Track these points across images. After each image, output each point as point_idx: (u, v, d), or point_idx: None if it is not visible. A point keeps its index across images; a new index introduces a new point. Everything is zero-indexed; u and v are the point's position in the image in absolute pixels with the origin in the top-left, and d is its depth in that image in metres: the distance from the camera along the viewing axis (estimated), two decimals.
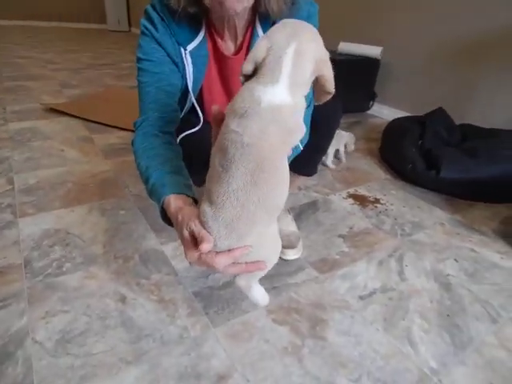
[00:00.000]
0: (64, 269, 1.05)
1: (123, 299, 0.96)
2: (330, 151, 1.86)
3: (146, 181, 0.74)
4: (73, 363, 0.78)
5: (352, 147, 1.97)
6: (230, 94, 0.98)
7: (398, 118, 2.18)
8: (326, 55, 0.55)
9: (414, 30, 2.53)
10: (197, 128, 0.94)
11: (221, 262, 0.57)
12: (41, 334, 0.84)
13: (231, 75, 0.93)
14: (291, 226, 1.25)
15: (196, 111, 0.92)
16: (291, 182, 1.22)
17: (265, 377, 0.79)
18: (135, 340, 0.85)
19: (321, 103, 0.59)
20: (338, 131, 1.96)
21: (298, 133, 0.56)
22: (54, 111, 2.38)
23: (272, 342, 0.88)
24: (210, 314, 0.94)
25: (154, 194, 0.71)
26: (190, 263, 0.61)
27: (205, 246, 0.55)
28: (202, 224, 0.58)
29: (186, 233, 0.60)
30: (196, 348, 0.84)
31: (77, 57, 4.46)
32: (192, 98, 0.90)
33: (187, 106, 0.94)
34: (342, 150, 1.92)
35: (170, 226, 0.71)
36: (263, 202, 0.54)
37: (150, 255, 1.13)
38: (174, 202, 0.65)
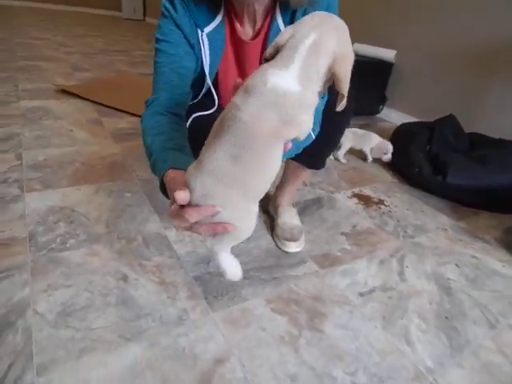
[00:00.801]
0: (68, 245, 1.05)
1: (125, 278, 0.96)
2: (344, 146, 1.89)
3: (149, 156, 0.75)
4: (73, 336, 0.79)
5: (385, 157, 1.91)
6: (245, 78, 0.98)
7: (407, 123, 2.18)
8: (348, 53, 0.53)
9: (428, 35, 2.53)
10: (211, 111, 0.94)
11: (191, 215, 0.56)
12: (42, 306, 0.85)
13: (247, 60, 0.93)
14: (295, 220, 1.25)
15: (211, 95, 0.93)
16: (298, 174, 1.22)
17: (261, 363, 0.79)
18: (135, 318, 0.85)
19: (337, 110, 0.55)
20: (368, 133, 1.96)
21: (295, 128, 0.53)
22: (66, 92, 2.39)
23: (269, 330, 0.88)
24: (209, 298, 0.94)
25: (155, 168, 0.71)
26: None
27: (178, 193, 0.55)
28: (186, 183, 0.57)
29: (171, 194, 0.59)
30: (194, 330, 0.85)
31: (90, 41, 4.47)
32: (208, 80, 0.90)
33: (204, 90, 0.95)
34: (367, 150, 1.95)
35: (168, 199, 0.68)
36: (240, 179, 0.53)
37: (153, 238, 1.13)
38: (172, 175, 0.64)
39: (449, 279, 1.15)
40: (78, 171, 1.47)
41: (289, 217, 1.24)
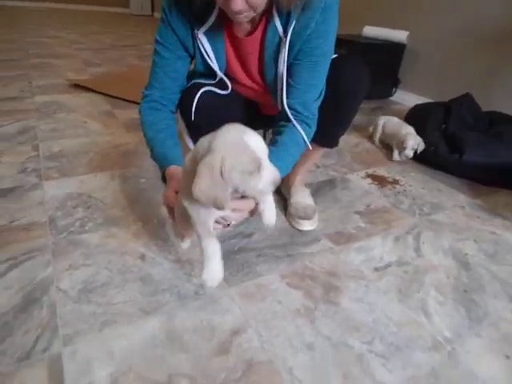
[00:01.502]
0: (86, 228, 1.08)
1: (142, 257, 0.98)
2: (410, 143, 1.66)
3: (150, 149, 0.96)
4: (95, 310, 0.81)
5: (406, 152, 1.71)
6: (248, 73, 1.03)
7: (422, 103, 2.14)
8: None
9: (441, 14, 2.46)
10: (225, 92, 1.02)
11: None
12: (65, 284, 0.88)
13: (246, 55, 0.97)
14: (308, 199, 1.25)
15: (224, 81, 1.00)
16: (311, 152, 1.21)
17: (277, 334, 0.80)
18: (153, 293, 0.87)
19: None
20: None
21: None
22: (78, 87, 2.42)
23: (285, 303, 0.89)
24: (225, 275, 0.94)
25: (157, 161, 0.94)
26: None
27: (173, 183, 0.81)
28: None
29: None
30: (211, 304, 0.86)
31: (100, 38, 4.52)
32: (219, 73, 0.97)
33: (217, 79, 1.00)
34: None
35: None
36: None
37: (168, 220, 1.15)
38: (170, 170, 0.88)
39: (467, 254, 1.13)
40: (92, 160, 1.50)
41: (302, 196, 1.25)
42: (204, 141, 0.61)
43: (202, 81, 1.01)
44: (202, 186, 0.57)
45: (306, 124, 0.95)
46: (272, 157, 0.91)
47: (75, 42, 4.05)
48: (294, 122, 0.93)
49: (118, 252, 1.00)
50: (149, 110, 0.98)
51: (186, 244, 0.77)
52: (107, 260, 0.96)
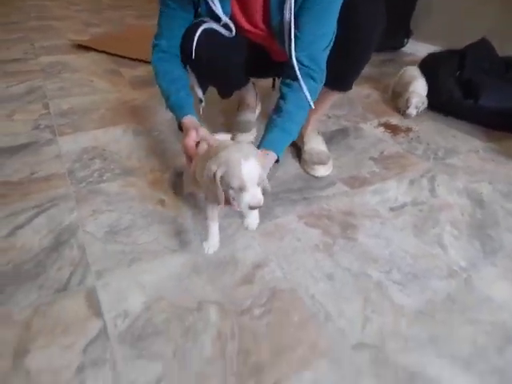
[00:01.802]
0: (104, 178, 1.10)
1: (162, 202, 1.01)
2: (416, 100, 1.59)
3: (166, 99, 0.98)
4: (122, 249, 0.85)
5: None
6: (252, 21, 1.01)
7: (437, 52, 2.06)
8: None
9: None
10: (229, 34, 0.99)
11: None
12: (90, 227, 0.91)
13: (250, 2, 0.95)
14: (322, 146, 1.25)
15: (229, 26, 0.98)
16: (324, 98, 1.20)
17: (297, 267, 0.84)
18: (176, 234, 0.90)
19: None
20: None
21: None
22: (81, 47, 2.38)
23: (304, 240, 0.92)
24: (242, 217, 0.97)
25: (173, 111, 0.98)
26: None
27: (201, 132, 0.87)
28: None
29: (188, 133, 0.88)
30: (232, 242, 0.89)
31: None
32: (224, 18, 0.95)
33: (221, 23, 0.98)
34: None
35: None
36: None
37: (184, 170, 1.16)
38: (187, 120, 0.93)
39: (481, 193, 1.14)
40: (103, 116, 1.50)
41: (315, 143, 1.24)
42: (222, 144, 0.73)
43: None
44: (204, 181, 0.71)
45: (312, 78, 0.92)
46: (277, 129, 0.92)
47: (73, 4, 3.92)
48: (300, 79, 0.90)
49: (137, 199, 1.02)
50: (160, 61, 1.00)
51: (212, 249, 0.82)
52: (128, 206, 0.99)
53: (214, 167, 0.66)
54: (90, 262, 0.81)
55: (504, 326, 0.72)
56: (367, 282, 0.81)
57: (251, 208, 0.68)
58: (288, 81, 0.93)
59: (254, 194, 0.66)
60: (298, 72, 0.90)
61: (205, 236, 0.83)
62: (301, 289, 0.78)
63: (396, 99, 1.80)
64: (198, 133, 0.87)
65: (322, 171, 1.17)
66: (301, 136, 1.30)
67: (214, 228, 0.81)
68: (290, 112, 0.92)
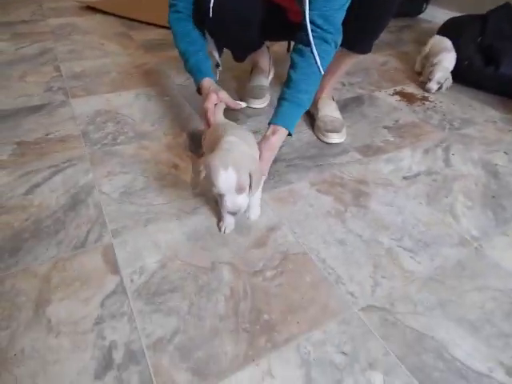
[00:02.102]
0: (118, 140, 1.11)
1: (176, 166, 1.01)
2: (439, 75, 1.50)
3: (184, 60, 0.98)
4: (137, 210, 0.86)
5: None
6: None
7: (457, 17, 1.97)
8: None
9: None
10: None
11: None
12: (106, 188, 0.92)
13: None
14: (335, 113, 1.23)
15: None
16: (342, 61, 1.16)
17: (310, 231, 0.85)
18: (190, 197, 0.92)
19: None
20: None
21: None
22: (90, 9, 2.32)
23: (316, 206, 0.92)
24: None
25: (192, 74, 0.98)
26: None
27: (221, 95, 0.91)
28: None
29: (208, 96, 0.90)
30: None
31: None
32: None
33: None
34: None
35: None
36: None
37: (196, 134, 1.16)
38: (206, 83, 0.94)
39: (496, 165, 1.12)
40: (115, 79, 1.48)
41: (329, 110, 1.22)
42: (226, 134, 0.75)
43: None
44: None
45: (326, 41, 0.87)
46: (287, 102, 0.90)
47: None
48: (312, 43, 0.86)
49: (152, 162, 1.03)
50: (177, 21, 0.99)
51: (228, 229, 0.82)
52: (143, 168, 1.00)
53: (200, 167, 0.70)
54: (107, 221, 0.83)
55: None
56: (378, 248, 0.82)
57: (230, 213, 0.71)
58: (300, 46, 0.89)
59: (232, 201, 0.69)
60: (310, 35, 0.85)
61: (219, 216, 0.84)
62: (312, 253, 0.79)
63: (422, 70, 1.71)
64: (218, 96, 0.89)
65: (335, 138, 1.16)
66: (315, 102, 1.27)
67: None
68: (299, 82, 0.89)
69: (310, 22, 0.85)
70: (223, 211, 0.72)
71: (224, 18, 0.95)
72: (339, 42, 0.92)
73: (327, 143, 1.16)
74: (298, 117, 0.92)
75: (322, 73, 0.90)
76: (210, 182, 0.68)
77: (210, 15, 0.93)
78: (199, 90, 0.98)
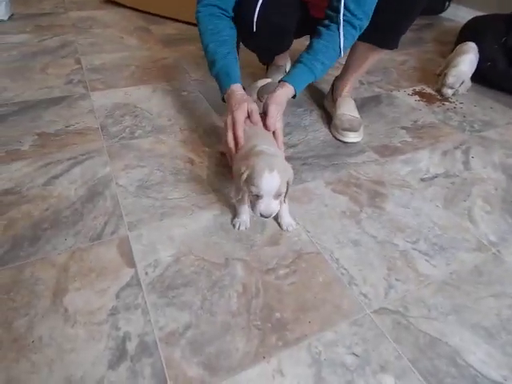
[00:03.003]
0: (136, 134, 1.12)
1: (191, 161, 1.02)
2: (457, 78, 1.44)
3: (211, 62, 0.91)
4: (153, 203, 0.87)
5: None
6: None
7: (481, 16, 1.93)
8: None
9: None
10: None
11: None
12: (123, 181, 0.93)
13: None
14: (354, 112, 1.22)
15: None
16: (367, 56, 1.14)
17: (324, 231, 0.84)
18: (205, 192, 0.92)
19: None
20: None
21: None
22: (111, 3, 2.34)
23: (331, 206, 0.92)
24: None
25: (217, 78, 0.91)
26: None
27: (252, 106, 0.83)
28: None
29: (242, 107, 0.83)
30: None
31: None
32: None
33: None
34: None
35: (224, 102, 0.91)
36: None
37: (213, 129, 1.17)
38: (235, 90, 0.87)
39: None
40: (134, 73, 1.49)
41: (347, 109, 1.21)
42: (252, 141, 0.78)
43: None
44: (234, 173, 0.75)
45: (353, 26, 0.89)
46: (302, 65, 0.89)
47: None
48: (341, 24, 0.87)
49: (168, 156, 1.03)
50: (209, 17, 0.92)
51: (243, 226, 0.83)
52: (159, 163, 1.01)
53: (243, 168, 0.69)
54: (124, 214, 0.84)
55: None
56: (393, 250, 0.81)
57: (262, 216, 0.70)
58: (327, 22, 0.90)
59: (267, 204, 0.69)
60: (341, 18, 0.86)
61: (234, 213, 0.85)
62: (326, 252, 0.79)
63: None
64: (249, 106, 0.83)
65: (352, 137, 1.14)
66: (334, 100, 1.27)
67: (243, 207, 0.82)
68: (319, 51, 0.90)
69: (344, 7, 0.86)
70: (254, 213, 0.71)
71: (267, 32, 0.95)
72: (364, 28, 0.92)
73: (343, 142, 1.15)
74: (307, 82, 0.93)
75: (342, 55, 0.92)
76: (252, 182, 0.67)
77: (254, 30, 0.93)
78: (224, 97, 0.90)
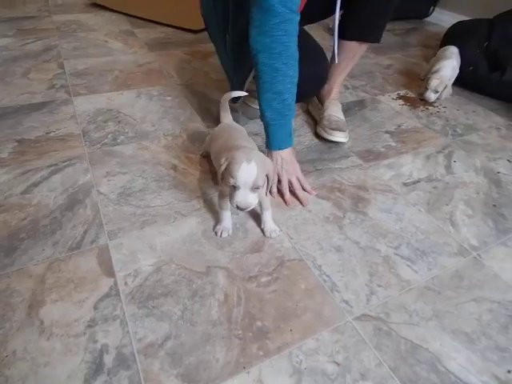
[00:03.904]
0: (119, 140, 1.11)
1: (174, 167, 1.01)
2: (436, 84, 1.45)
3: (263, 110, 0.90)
4: (135, 211, 0.86)
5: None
6: None
7: (464, 20, 1.95)
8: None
9: None
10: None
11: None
12: (104, 188, 0.92)
13: None
14: (340, 114, 1.23)
15: None
16: (354, 52, 1.16)
17: (307, 237, 0.84)
18: (187, 199, 0.91)
19: None
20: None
21: None
22: (96, 6, 2.32)
23: (314, 212, 0.91)
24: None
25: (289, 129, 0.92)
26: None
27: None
28: None
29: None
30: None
31: None
32: None
33: None
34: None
35: None
36: None
37: (197, 135, 1.16)
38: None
39: (499, 173, 1.11)
40: (118, 78, 1.48)
41: (335, 110, 1.22)
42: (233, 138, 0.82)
43: None
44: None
45: None
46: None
47: None
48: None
49: (150, 163, 1.02)
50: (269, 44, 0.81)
51: (225, 233, 0.83)
52: (141, 169, 1.00)
53: (222, 160, 0.70)
54: (104, 222, 0.83)
55: (510, 305, 0.73)
56: (375, 255, 0.81)
57: (238, 208, 0.70)
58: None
59: (243, 196, 0.68)
60: None
61: (217, 220, 0.84)
62: (308, 259, 0.79)
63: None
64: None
65: (340, 137, 1.15)
66: (321, 101, 1.27)
67: (226, 213, 0.82)
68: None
69: None
70: (231, 204, 0.71)
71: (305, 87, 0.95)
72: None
73: (331, 141, 1.16)
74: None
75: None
76: (230, 172, 0.68)
77: None
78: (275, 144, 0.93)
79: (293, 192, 0.94)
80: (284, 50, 0.81)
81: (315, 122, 1.26)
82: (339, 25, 1.02)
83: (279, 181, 0.94)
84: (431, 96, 1.46)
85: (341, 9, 0.99)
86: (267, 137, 0.93)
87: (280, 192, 0.94)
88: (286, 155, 0.93)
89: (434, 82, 1.45)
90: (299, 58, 0.86)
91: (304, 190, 0.96)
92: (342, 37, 1.10)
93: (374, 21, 1.08)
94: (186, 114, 1.27)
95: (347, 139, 1.16)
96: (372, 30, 1.11)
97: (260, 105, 0.90)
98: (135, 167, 1.00)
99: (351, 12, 1.07)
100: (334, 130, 1.14)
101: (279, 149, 0.93)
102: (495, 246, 0.86)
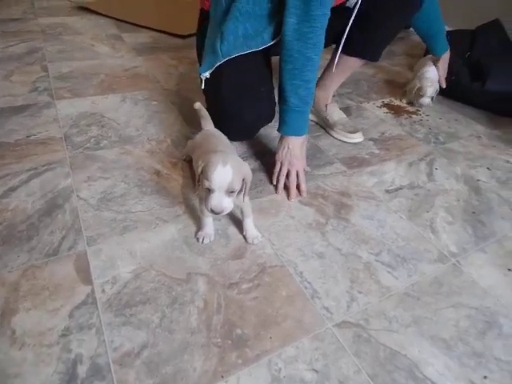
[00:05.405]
0: (101, 144, 1.09)
1: (158, 173, 1.00)
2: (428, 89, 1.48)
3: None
4: (115, 217, 0.85)
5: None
6: None
7: (446, 31, 1.99)
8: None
9: None
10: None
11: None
12: (84, 193, 0.91)
13: None
14: (344, 116, 1.29)
15: None
16: (350, 65, 1.20)
17: (289, 243, 0.84)
18: (170, 205, 0.90)
19: None
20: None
21: None
22: (82, 9, 2.30)
23: (297, 218, 0.92)
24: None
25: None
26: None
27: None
28: None
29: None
30: (225, 216, 0.89)
31: None
32: None
33: None
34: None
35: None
36: None
37: (181, 141, 1.15)
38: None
39: (479, 180, 1.13)
40: (103, 82, 1.47)
41: (339, 113, 1.28)
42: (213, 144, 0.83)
43: None
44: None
45: None
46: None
47: None
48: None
49: (133, 167, 1.01)
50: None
51: (206, 239, 0.82)
52: (124, 174, 0.98)
53: (199, 162, 0.70)
54: (83, 228, 0.81)
55: (487, 311, 0.74)
56: (356, 262, 0.81)
57: (213, 212, 0.69)
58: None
59: (218, 199, 0.68)
60: None
61: (199, 226, 0.84)
62: (290, 265, 0.79)
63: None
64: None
65: (360, 137, 1.23)
66: (323, 108, 1.29)
67: (208, 219, 0.81)
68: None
69: None
70: (206, 208, 0.70)
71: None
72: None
73: (354, 143, 1.23)
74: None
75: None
76: (205, 175, 0.68)
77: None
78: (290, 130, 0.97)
79: (286, 183, 0.98)
80: (318, 42, 0.86)
81: (326, 123, 1.29)
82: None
83: (280, 168, 0.97)
84: (426, 101, 1.50)
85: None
86: (285, 122, 0.94)
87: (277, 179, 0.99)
88: (297, 145, 0.95)
89: (429, 90, 1.47)
90: (253, 95, 0.96)
91: (298, 188, 0.98)
92: (344, 51, 1.11)
93: (380, 43, 1.13)
94: (171, 119, 1.27)
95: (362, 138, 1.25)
96: (375, 51, 1.15)
97: (284, 90, 0.91)
98: (117, 172, 0.99)
99: (363, 33, 1.07)
100: (352, 132, 1.21)
101: (297, 135, 0.94)
102: (474, 253, 0.87)
